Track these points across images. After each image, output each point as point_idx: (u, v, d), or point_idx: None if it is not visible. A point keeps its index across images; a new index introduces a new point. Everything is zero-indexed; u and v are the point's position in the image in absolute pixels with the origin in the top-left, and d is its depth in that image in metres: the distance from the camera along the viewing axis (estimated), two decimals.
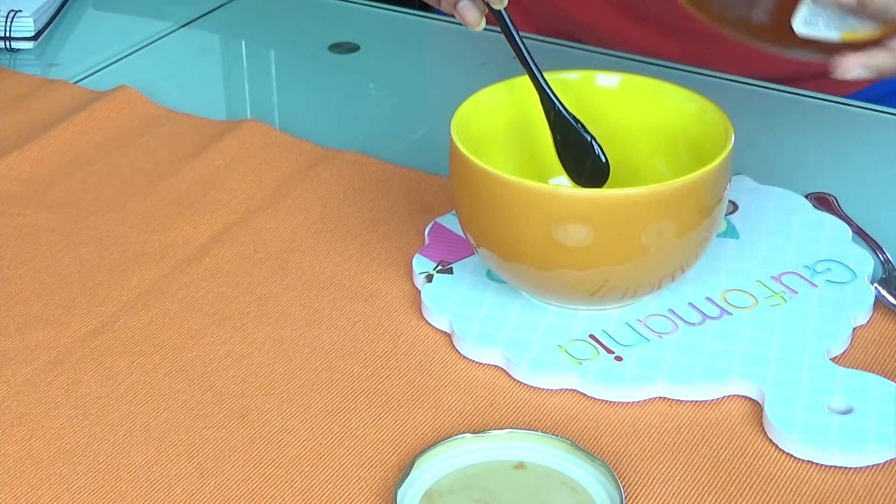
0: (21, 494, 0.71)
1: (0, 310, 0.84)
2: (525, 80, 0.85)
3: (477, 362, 0.80)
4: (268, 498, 0.71)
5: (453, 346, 0.81)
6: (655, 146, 0.86)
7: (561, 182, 0.87)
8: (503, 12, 0.83)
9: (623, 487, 0.70)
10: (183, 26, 1.21)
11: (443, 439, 0.72)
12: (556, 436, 0.72)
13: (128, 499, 0.71)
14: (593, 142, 0.84)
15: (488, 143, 0.84)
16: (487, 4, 0.83)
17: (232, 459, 0.73)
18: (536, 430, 0.73)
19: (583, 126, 0.84)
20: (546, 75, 0.85)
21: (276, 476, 0.72)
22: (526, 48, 0.83)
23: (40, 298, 0.84)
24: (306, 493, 0.71)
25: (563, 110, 0.83)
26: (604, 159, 0.84)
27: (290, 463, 0.73)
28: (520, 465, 0.71)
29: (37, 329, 0.82)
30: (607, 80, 0.86)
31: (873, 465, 0.72)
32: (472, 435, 0.72)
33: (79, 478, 0.72)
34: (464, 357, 0.80)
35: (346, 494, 0.71)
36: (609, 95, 0.86)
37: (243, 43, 1.19)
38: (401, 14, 1.23)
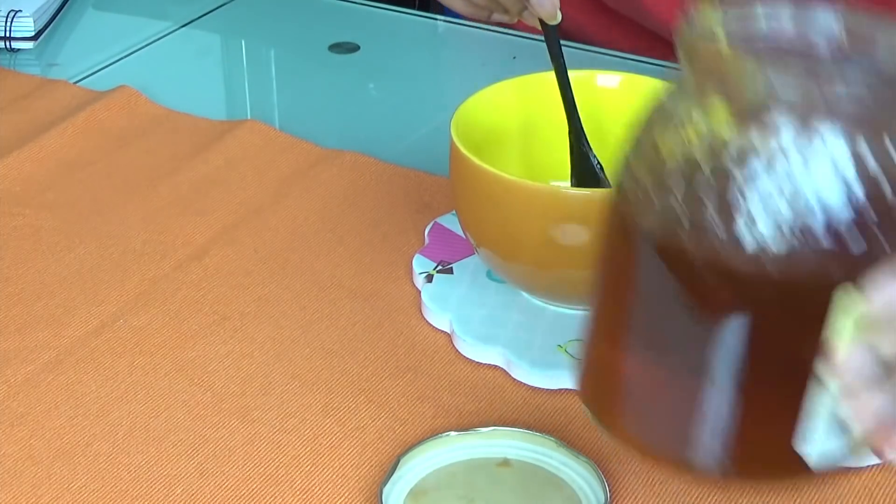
0: (21, 494, 0.71)
1: (0, 310, 0.84)
2: (525, 80, 0.85)
3: (477, 362, 0.80)
4: (268, 498, 0.71)
5: (453, 346, 0.81)
6: None
7: (561, 183, 0.87)
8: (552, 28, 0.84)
9: (608, 483, 0.70)
10: (183, 26, 1.21)
11: (428, 437, 0.72)
12: (541, 433, 0.72)
13: (128, 499, 0.71)
14: (602, 174, 0.85)
15: (489, 143, 0.84)
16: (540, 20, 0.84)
17: (232, 459, 0.73)
18: (521, 428, 0.73)
19: (598, 162, 0.85)
20: (545, 75, 0.85)
21: (276, 476, 0.72)
22: (564, 65, 0.84)
23: (40, 298, 0.84)
24: (306, 493, 0.71)
25: (584, 142, 0.84)
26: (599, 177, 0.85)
27: (290, 463, 0.73)
28: (504, 463, 0.71)
29: (37, 329, 0.82)
30: (607, 80, 0.86)
31: (873, 465, 0.72)
32: (456, 433, 0.72)
33: (79, 478, 0.72)
34: (464, 357, 0.80)
35: (347, 494, 0.71)
36: (609, 95, 0.86)
37: (243, 43, 1.19)
38: (401, 14, 1.23)
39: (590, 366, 0.62)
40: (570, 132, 0.85)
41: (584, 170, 0.85)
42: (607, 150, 0.86)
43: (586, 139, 0.84)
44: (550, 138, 0.86)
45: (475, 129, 0.82)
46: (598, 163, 0.84)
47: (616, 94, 0.86)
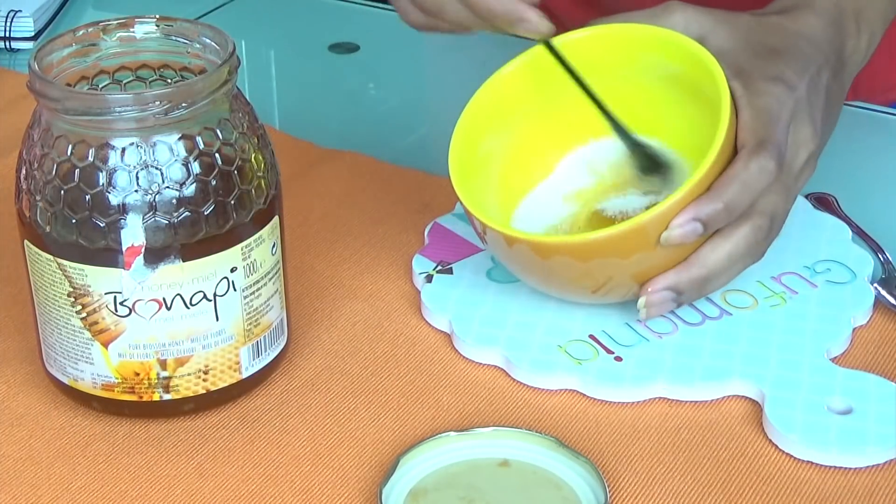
0: (21, 494, 0.71)
1: (0, 310, 0.84)
2: (529, 58, 0.83)
3: (477, 362, 0.80)
4: (268, 498, 0.71)
5: (453, 346, 0.81)
6: (655, 94, 0.84)
7: (570, 160, 0.86)
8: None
9: (608, 484, 0.70)
10: None
11: (427, 437, 0.72)
12: (541, 433, 0.72)
13: (128, 499, 0.71)
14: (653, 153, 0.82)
15: (498, 124, 0.83)
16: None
17: (232, 459, 0.73)
18: (520, 428, 0.73)
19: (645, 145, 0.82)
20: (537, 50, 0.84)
21: (276, 476, 0.72)
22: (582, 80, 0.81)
23: None
24: (306, 493, 0.71)
25: (632, 136, 0.82)
26: (663, 160, 0.82)
27: (290, 463, 0.73)
28: (504, 463, 0.71)
29: (36, 329, 0.82)
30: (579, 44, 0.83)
31: (873, 466, 0.72)
32: (456, 433, 0.72)
33: (79, 478, 0.72)
34: (463, 357, 0.80)
35: (346, 494, 0.71)
36: (589, 59, 0.84)
37: (243, 43, 1.19)
38: None
39: None
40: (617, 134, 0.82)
41: (647, 161, 0.82)
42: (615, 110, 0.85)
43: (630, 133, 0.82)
44: (565, 107, 0.84)
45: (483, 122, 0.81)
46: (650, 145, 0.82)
47: (592, 56, 0.83)
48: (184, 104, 0.70)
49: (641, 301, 0.77)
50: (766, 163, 0.75)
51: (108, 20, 0.76)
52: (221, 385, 0.75)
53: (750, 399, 0.76)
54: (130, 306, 0.71)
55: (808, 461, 0.72)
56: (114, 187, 0.70)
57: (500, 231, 0.77)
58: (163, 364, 0.73)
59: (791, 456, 0.72)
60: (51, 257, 0.72)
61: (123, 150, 0.70)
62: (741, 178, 0.75)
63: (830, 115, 0.83)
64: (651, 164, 0.82)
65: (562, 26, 0.82)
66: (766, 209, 0.77)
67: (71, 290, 0.72)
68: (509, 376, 0.78)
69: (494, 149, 0.84)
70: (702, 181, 0.74)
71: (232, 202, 0.72)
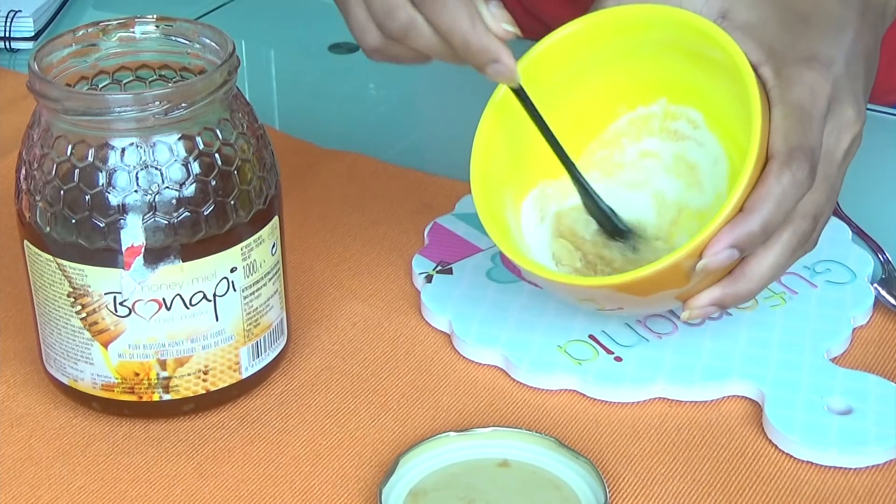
0: (20, 494, 0.71)
1: (0, 310, 0.84)
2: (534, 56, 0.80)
3: (476, 363, 0.80)
4: (268, 498, 0.71)
5: (453, 346, 0.81)
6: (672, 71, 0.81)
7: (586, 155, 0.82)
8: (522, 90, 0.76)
9: (608, 484, 0.70)
10: None
11: (427, 437, 0.72)
12: (541, 433, 0.72)
13: (128, 499, 0.71)
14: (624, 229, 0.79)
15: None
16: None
17: (232, 459, 0.73)
18: (520, 428, 0.73)
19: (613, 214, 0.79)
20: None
21: (276, 476, 0.72)
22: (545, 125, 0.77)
23: None
24: (306, 493, 0.71)
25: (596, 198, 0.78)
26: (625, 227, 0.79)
27: (290, 463, 0.73)
28: (504, 463, 0.71)
29: (36, 329, 0.82)
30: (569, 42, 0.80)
31: (873, 466, 0.72)
32: (456, 433, 0.72)
33: (79, 478, 0.72)
34: (463, 357, 0.80)
35: (346, 495, 0.71)
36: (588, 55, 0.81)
37: (243, 43, 1.19)
38: None
39: None
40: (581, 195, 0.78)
41: (612, 228, 0.78)
42: (627, 96, 0.81)
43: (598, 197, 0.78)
44: (577, 104, 0.81)
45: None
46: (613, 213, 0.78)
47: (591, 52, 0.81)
48: (183, 104, 0.70)
49: (685, 315, 0.73)
50: (799, 173, 0.71)
51: (108, 20, 0.76)
52: (221, 385, 0.75)
53: (750, 399, 0.76)
54: (130, 306, 0.72)
55: (808, 461, 0.72)
56: (113, 187, 0.70)
57: (534, 272, 0.75)
58: (162, 364, 0.73)
59: (791, 456, 0.72)
60: (50, 257, 0.72)
61: (123, 150, 0.70)
62: (774, 196, 0.70)
63: (870, 77, 0.77)
64: (615, 231, 0.78)
65: (549, 28, 0.80)
66: (808, 212, 0.73)
67: (71, 290, 0.72)
68: (509, 376, 0.78)
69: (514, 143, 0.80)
70: (737, 204, 0.70)
71: (232, 202, 0.72)
